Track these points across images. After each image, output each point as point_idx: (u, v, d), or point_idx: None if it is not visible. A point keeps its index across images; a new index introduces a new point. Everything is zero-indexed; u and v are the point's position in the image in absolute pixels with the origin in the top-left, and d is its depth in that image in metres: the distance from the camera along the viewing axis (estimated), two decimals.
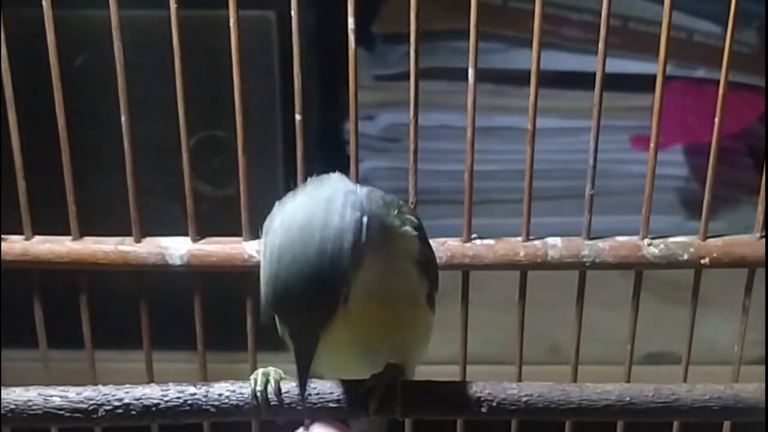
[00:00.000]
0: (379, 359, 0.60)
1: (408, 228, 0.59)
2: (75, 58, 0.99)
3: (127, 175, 0.71)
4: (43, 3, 0.68)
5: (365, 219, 0.52)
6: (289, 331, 0.53)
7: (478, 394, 0.58)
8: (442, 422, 0.62)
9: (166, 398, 0.59)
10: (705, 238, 0.71)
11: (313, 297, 0.51)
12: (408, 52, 0.68)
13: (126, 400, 0.58)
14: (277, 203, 0.54)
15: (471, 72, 0.68)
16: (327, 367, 0.60)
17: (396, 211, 0.58)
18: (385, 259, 0.56)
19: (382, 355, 0.60)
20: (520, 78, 0.96)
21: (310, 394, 0.58)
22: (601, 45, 0.67)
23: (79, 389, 0.59)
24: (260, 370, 0.60)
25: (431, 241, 0.70)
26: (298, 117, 0.69)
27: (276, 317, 0.54)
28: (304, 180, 0.69)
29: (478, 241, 0.71)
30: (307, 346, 0.53)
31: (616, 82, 0.98)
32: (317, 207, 0.52)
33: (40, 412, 0.58)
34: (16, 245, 0.71)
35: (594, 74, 0.68)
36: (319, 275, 0.51)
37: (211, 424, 0.74)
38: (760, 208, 0.70)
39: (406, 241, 0.59)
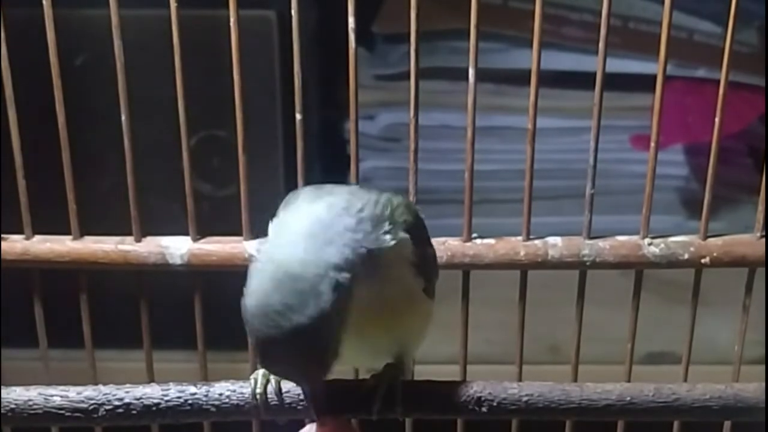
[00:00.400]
0: (379, 352, 0.59)
1: (400, 235, 0.58)
2: (75, 58, 0.99)
3: (128, 175, 0.70)
4: (44, 2, 0.68)
5: (346, 276, 0.53)
6: (290, 379, 0.56)
7: (479, 394, 0.58)
8: (442, 422, 0.62)
9: (166, 398, 0.59)
10: (705, 237, 0.71)
11: (304, 363, 0.53)
12: (408, 52, 0.68)
13: (126, 400, 0.58)
14: (280, 206, 0.55)
15: (471, 72, 0.68)
16: None
17: (388, 222, 0.57)
18: (377, 279, 0.56)
19: (383, 347, 0.59)
20: (520, 78, 0.96)
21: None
22: (601, 45, 0.67)
23: (79, 389, 0.59)
24: (260, 370, 0.60)
25: (432, 241, 0.71)
26: (298, 116, 0.69)
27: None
28: (304, 179, 0.70)
29: (478, 241, 0.71)
30: (314, 388, 0.54)
31: (616, 82, 0.98)
32: (296, 272, 0.52)
33: (40, 411, 0.58)
34: (16, 244, 0.71)
35: (594, 74, 0.68)
36: (304, 348, 0.52)
37: (212, 423, 0.74)
38: (761, 207, 0.70)
39: (397, 248, 0.58)
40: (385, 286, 0.57)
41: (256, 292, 0.53)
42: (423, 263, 0.60)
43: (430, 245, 0.63)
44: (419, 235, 0.60)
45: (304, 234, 0.53)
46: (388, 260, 0.57)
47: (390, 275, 0.58)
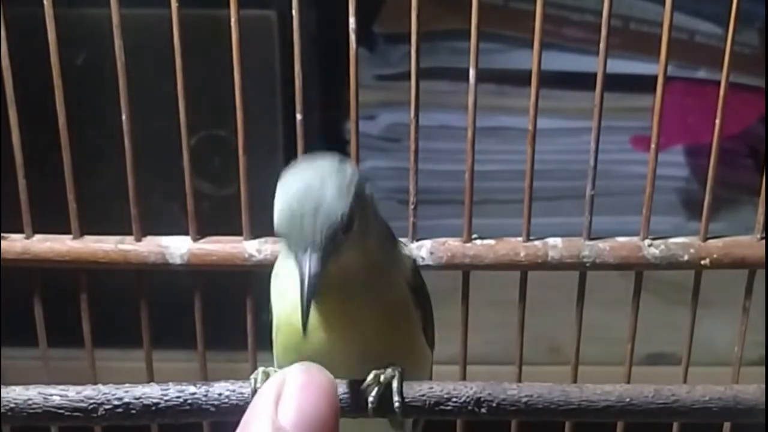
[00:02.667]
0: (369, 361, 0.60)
1: (404, 250, 0.61)
2: (76, 57, 0.99)
3: (128, 174, 0.70)
4: (44, 1, 0.68)
5: (365, 182, 0.56)
6: (300, 247, 0.54)
7: (478, 395, 0.58)
8: (441, 422, 0.62)
9: (166, 397, 0.58)
10: (705, 238, 0.71)
11: (327, 204, 0.54)
12: (409, 52, 0.68)
13: (126, 400, 0.58)
14: None
15: (472, 72, 0.68)
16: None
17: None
18: (378, 254, 0.58)
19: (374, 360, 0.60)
20: (521, 78, 0.96)
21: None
22: (602, 45, 0.67)
23: (79, 388, 0.59)
24: (260, 370, 0.60)
25: (432, 241, 0.71)
26: (299, 116, 0.69)
27: (286, 241, 0.55)
28: None
29: (478, 241, 0.71)
30: (318, 264, 0.54)
31: (617, 83, 0.98)
32: (323, 161, 0.56)
33: (39, 410, 0.58)
34: (16, 244, 0.71)
35: (595, 75, 0.68)
36: (332, 189, 0.54)
37: (211, 423, 0.74)
38: (761, 209, 0.70)
39: (398, 259, 0.61)
40: (382, 278, 0.59)
41: (290, 174, 0.56)
42: (419, 294, 0.61)
43: (427, 292, 0.64)
44: (417, 270, 0.62)
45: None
46: (391, 258, 0.60)
47: (389, 274, 0.59)
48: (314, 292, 0.54)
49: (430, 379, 0.67)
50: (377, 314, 0.59)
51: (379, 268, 0.59)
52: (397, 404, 0.57)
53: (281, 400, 0.42)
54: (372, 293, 0.58)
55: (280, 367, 0.60)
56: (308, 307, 0.54)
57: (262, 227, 0.69)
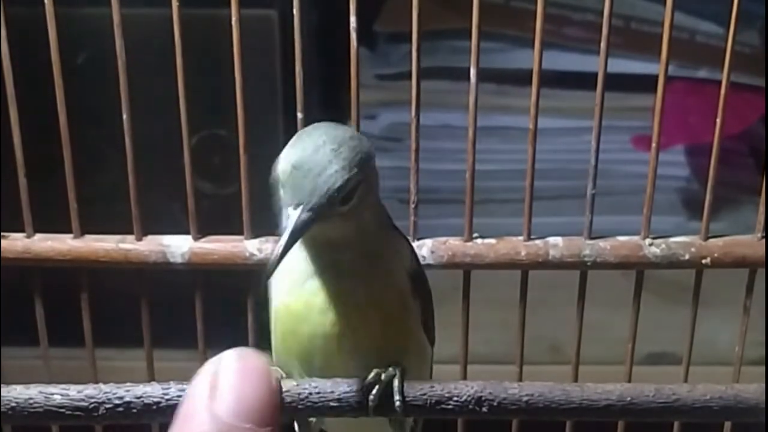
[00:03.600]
0: (370, 366, 0.59)
1: (402, 238, 0.61)
2: (77, 56, 0.99)
3: (129, 173, 0.71)
4: (45, 1, 0.68)
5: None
6: (294, 201, 0.54)
7: (479, 394, 0.58)
8: (442, 422, 0.62)
9: (167, 397, 0.58)
10: (706, 238, 0.71)
11: (334, 169, 0.54)
12: (410, 52, 0.68)
13: (127, 399, 0.58)
14: None
15: (473, 71, 0.68)
16: (321, 371, 0.60)
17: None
18: (375, 237, 0.59)
19: (374, 364, 0.59)
20: (521, 78, 0.96)
21: (310, 393, 0.58)
22: (603, 45, 0.67)
23: (79, 387, 0.59)
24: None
25: (433, 241, 0.71)
26: (299, 115, 0.69)
27: (278, 192, 0.55)
28: None
29: (479, 241, 0.71)
30: (305, 222, 0.53)
31: (617, 83, 0.98)
32: (347, 127, 0.57)
33: (40, 410, 0.58)
34: (17, 243, 0.72)
35: (596, 74, 0.68)
36: (342, 157, 0.54)
37: None
38: (761, 208, 0.70)
39: (397, 244, 0.61)
40: (380, 275, 0.59)
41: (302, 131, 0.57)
42: (418, 283, 0.61)
43: (426, 280, 0.63)
44: (416, 258, 0.62)
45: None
46: (388, 246, 0.60)
47: (388, 258, 0.59)
48: (292, 244, 0.53)
49: (431, 373, 0.67)
50: (373, 295, 0.59)
51: (375, 250, 0.59)
52: (398, 403, 0.57)
53: (217, 389, 0.41)
54: (368, 274, 0.58)
55: (278, 363, 0.60)
56: (283, 255, 0.53)
57: (263, 226, 0.69)
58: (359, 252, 0.58)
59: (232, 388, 0.41)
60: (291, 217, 0.54)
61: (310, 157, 0.54)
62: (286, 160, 0.55)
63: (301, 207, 0.54)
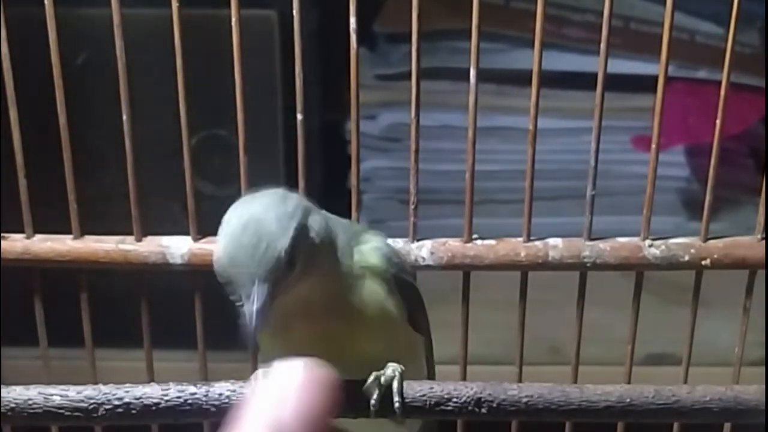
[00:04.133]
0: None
1: (370, 245, 0.61)
2: (77, 57, 0.99)
3: (128, 174, 0.70)
4: (45, 1, 0.68)
5: (309, 214, 0.56)
6: (244, 285, 0.54)
7: (479, 395, 0.58)
8: (442, 422, 0.62)
9: (166, 397, 0.58)
10: (706, 239, 0.71)
11: (268, 240, 0.53)
12: (410, 52, 0.68)
13: (126, 399, 0.58)
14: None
15: (473, 72, 0.68)
16: None
17: (354, 238, 0.60)
18: (338, 269, 0.58)
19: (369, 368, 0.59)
20: (521, 78, 0.96)
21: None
22: (602, 45, 0.67)
23: (79, 388, 0.59)
24: (261, 370, 0.60)
25: (433, 241, 0.71)
26: (299, 116, 0.69)
27: (230, 285, 0.55)
28: (305, 179, 0.70)
29: (479, 242, 0.71)
30: (263, 298, 0.53)
31: (617, 83, 0.98)
32: (266, 197, 0.56)
33: (40, 410, 0.58)
34: (17, 243, 0.71)
35: (596, 75, 0.68)
36: (272, 226, 0.54)
37: (211, 423, 0.74)
38: (761, 209, 0.70)
39: (365, 255, 0.60)
40: (352, 290, 0.59)
41: (232, 215, 0.56)
42: (400, 283, 0.61)
43: (409, 275, 0.63)
44: (390, 257, 0.61)
45: (268, 194, 0.57)
46: (354, 262, 0.59)
47: (357, 280, 0.59)
48: (259, 328, 0.53)
49: (433, 366, 0.67)
50: (347, 333, 0.59)
51: (342, 282, 0.58)
52: (397, 405, 0.57)
53: (282, 398, 0.42)
54: (336, 317, 0.58)
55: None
56: (254, 342, 0.54)
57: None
58: (318, 299, 0.57)
59: (297, 398, 0.41)
60: (246, 301, 0.54)
61: (241, 237, 0.54)
62: (219, 264, 0.55)
63: (253, 289, 0.53)
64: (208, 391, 0.59)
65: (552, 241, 0.71)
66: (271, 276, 0.53)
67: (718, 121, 0.69)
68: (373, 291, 0.60)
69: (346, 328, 0.58)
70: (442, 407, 0.59)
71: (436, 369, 0.68)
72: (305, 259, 0.55)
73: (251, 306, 0.53)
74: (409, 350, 0.63)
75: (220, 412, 0.59)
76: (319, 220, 0.57)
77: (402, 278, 0.62)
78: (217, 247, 0.55)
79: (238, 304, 0.55)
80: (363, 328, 0.59)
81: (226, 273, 0.54)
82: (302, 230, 0.55)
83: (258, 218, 0.54)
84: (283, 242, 0.53)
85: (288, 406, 0.40)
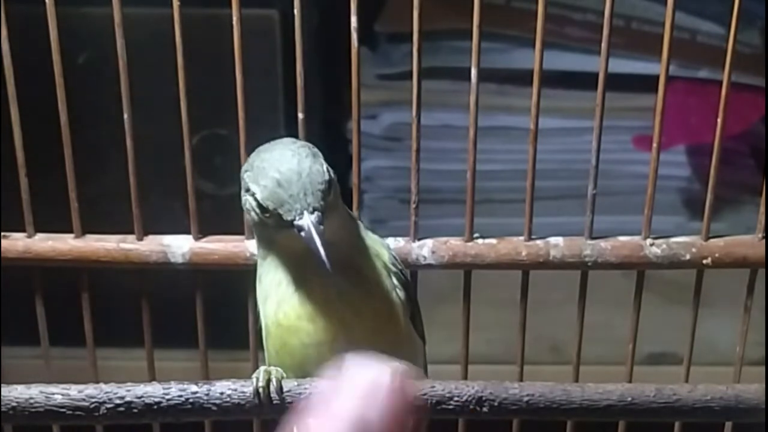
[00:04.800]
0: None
1: (377, 236, 0.63)
2: (78, 56, 0.99)
3: (130, 173, 0.71)
4: (46, 0, 0.68)
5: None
6: (295, 211, 0.55)
7: (480, 394, 0.58)
8: (443, 422, 0.62)
9: (167, 396, 0.59)
10: (707, 238, 0.71)
11: (311, 169, 0.56)
12: (411, 52, 0.68)
13: (127, 398, 0.58)
14: None
15: (473, 71, 0.68)
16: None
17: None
18: (352, 231, 0.61)
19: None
20: (522, 78, 0.96)
21: (311, 393, 0.58)
22: (603, 45, 0.67)
23: (80, 387, 0.59)
24: (262, 369, 0.60)
25: (434, 241, 0.71)
26: (300, 115, 0.69)
27: (277, 217, 0.56)
28: None
29: (480, 241, 0.71)
30: (319, 219, 0.55)
31: (618, 83, 0.98)
32: (287, 141, 0.60)
33: (41, 409, 0.58)
34: (18, 243, 0.71)
35: (597, 74, 0.68)
36: (311, 158, 0.57)
37: (213, 422, 0.74)
38: (762, 209, 0.70)
39: (375, 245, 0.62)
40: (363, 280, 0.60)
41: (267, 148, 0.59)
42: (400, 277, 0.62)
43: (407, 276, 0.65)
44: (394, 255, 0.63)
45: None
46: (364, 244, 0.61)
47: (366, 258, 0.61)
48: (324, 240, 0.55)
49: (425, 368, 0.67)
50: (361, 292, 0.60)
51: (356, 253, 0.60)
52: None
53: (370, 397, 0.42)
54: (353, 275, 0.59)
55: (274, 366, 0.61)
56: (327, 252, 0.55)
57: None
58: (341, 257, 0.58)
59: (385, 397, 0.41)
60: (303, 225, 0.55)
61: (289, 169, 0.56)
62: (266, 182, 0.56)
63: (305, 214, 0.54)
64: (209, 390, 0.59)
65: (553, 240, 0.71)
66: (321, 199, 0.56)
67: (719, 121, 0.69)
68: (384, 277, 0.61)
69: (356, 295, 0.59)
70: (444, 406, 0.59)
71: (437, 368, 0.68)
72: (332, 199, 0.57)
73: (310, 226, 0.55)
74: (410, 346, 0.63)
75: (222, 411, 0.59)
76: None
77: (403, 278, 0.63)
78: (260, 181, 0.57)
79: (284, 228, 0.56)
80: (370, 300, 0.60)
81: (278, 198, 0.56)
82: (329, 167, 0.57)
83: (296, 153, 0.57)
84: (323, 170, 0.56)
85: (375, 406, 0.40)
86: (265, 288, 0.61)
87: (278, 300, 0.60)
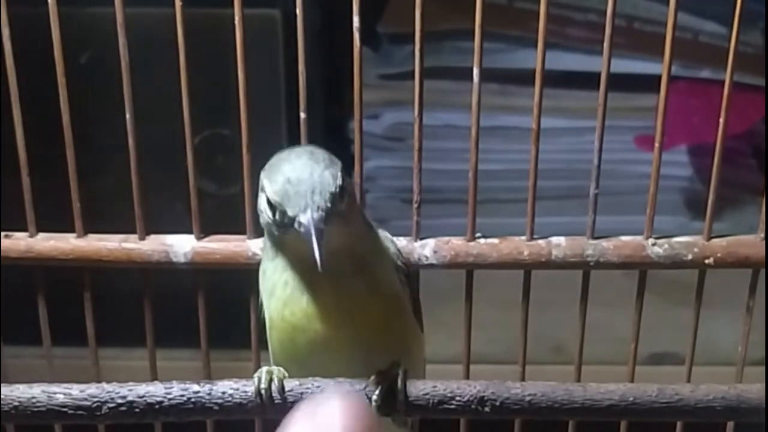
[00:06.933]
0: (369, 364, 0.60)
1: (385, 233, 0.64)
2: (80, 56, 0.99)
3: (132, 173, 0.71)
4: (49, 0, 0.68)
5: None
6: (300, 208, 0.55)
7: (482, 394, 0.58)
8: (445, 421, 0.62)
9: (169, 396, 0.59)
10: (709, 238, 0.71)
11: (323, 173, 0.56)
12: (413, 52, 0.68)
13: (129, 398, 0.58)
14: None
15: (476, 71, 0.68)
16: (320, 372, 0.60)
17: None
18: (364, 235, 0.61)
19: (374, 360, 0.60)
20: (524, 78, 0.96)
21: (313, 392, 0.58)
22: (606, 45, 0.67)
23: (82, 386, 0.59)
24: (264, 368, 0.60)
25: (436, 240, 0.71)
26: (302, 115, 0.69)
27: (282, 214, 0.56)
28: None
29: (482, 240, 0.71)
30: (320, 218, 0.55)
31: (620, 83, 0.98)
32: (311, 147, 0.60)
33: (43, 409, 0.58)
34: (20, 242, 0.72)
35: (599, 74, 0.68)
36: (326, 164, 0.57)
37: (215, 422, 0.74)
38: (764, 208, 0.70)
39: (384, 242, 0.63)
40: (373, 275, 0.60)
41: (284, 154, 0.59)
42: (406, 274, 0.63)
43: (414, 282, 0.66)
44: (405, 262, 0.64)
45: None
46: (375, 238, 0.62)
47: (377, 252, 0.61)
48: (322, 239, 0.55)
49: (425, 364, 0.67)
50: (371, 289, 0.60)
51: (366, 251, 0.60)
52: (401, 409, 0.57)
53: (326, 425, 0.42)
54: (362, 272, 0.60)
55: (277, 365, 0.61)
56: (321, 250, 0.55)
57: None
58: (352, 255, 0.58)
59: (342, 425, 0.41)
60: (305, 221, 0.55)
61: (301, 169, 0.56)
62: (277, 181, 0.56)
63: (308, 211, 0.54)
64: (211, 389, 0.59)
65: (555, 239, 0.71)
66: (327, 202, 0.55)
67: (721, 121, 0.69)
68: (391, 273, 0.62)
69: (364, 297, 0.59)
70: (446, 406, 0.59)
71: (439, 368, 0.68)
72: (346, 203, 0.57)
73: (309, 223, 0.55)
74: (415, 344, 0.63)
75: (224, 410, 0.59)
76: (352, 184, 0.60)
77: (405, 270, 0.63)
78: (273, 179, 0.57)
79: (288, 228, 0.56)
80: (379, 301, 0.60)
81: (285, 194, 0.56)
82: (345, 174, 0.58)
83: (312, 158, 0.57)
84: (337, 176, 0.57)
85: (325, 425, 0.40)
86: (269, 283, 0.61)
87: (284, 300, 0.60)
